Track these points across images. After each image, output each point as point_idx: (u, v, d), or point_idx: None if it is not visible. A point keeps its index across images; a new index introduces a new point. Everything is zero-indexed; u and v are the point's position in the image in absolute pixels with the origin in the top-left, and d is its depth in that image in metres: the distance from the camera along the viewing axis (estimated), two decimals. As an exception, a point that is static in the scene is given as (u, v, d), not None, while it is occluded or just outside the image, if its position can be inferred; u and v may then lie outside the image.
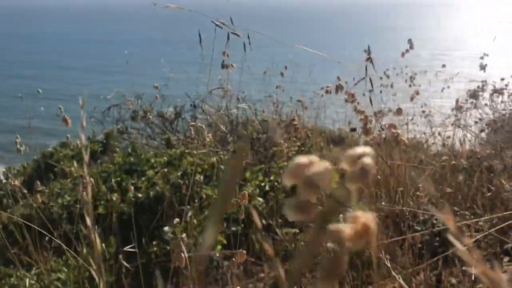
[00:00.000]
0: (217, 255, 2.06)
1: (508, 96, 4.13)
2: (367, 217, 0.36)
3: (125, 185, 2.97)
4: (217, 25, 1.97)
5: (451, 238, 0.40)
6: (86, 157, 0.58)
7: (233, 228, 2.45)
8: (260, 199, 2.70)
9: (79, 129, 0.64)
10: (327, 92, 2.86)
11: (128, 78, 7.86)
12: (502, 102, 4.20)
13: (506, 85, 4.33)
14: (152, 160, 3.16)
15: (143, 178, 2.99)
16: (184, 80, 5.59)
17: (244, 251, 1.43)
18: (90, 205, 0.49)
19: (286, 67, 4.26)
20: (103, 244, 2.09)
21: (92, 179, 1.92)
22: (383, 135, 2.42)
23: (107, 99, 4.81)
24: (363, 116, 2.01)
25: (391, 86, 4.09)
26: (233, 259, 1.41)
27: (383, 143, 2.32)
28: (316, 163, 0.37)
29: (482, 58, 3.90)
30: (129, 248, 1.90)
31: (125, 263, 1.79)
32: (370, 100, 2.42)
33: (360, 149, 0.38)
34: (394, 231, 2.36)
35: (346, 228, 0.36)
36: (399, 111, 2.46)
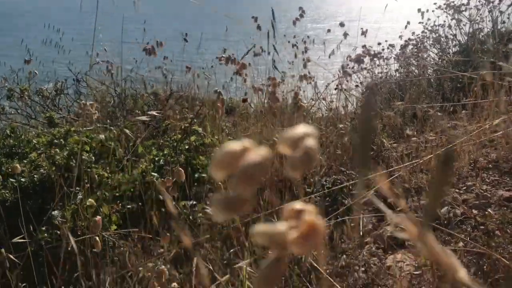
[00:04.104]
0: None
1: (383, 60, 4.43)
2: (312, 214, 0.30)
3: (5, 169, 2.75)
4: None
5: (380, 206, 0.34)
6: None
7: (128, 206, 2.39)
8: (155, 174, 2.65)
9: None
10: (220, 62, 2.85)
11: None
12: (378, 65, 4.50)
13: (383, 49, 4.64)
14: (34, 141, 2.95)
15: (25, 161, 2.78)
16: (66, 53, 5.24)
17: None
18: None
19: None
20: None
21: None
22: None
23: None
24: (273, 82, 2.04)
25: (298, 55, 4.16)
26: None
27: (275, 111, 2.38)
28: (250, 151, 0.31)
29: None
30: (18, 239, 1.77)
31: (10, 256, 1.67)
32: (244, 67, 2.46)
33: (301, 129, 0.32)
34: (288, 194, 2.46)
35: (289, 231, 0.29)
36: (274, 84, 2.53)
